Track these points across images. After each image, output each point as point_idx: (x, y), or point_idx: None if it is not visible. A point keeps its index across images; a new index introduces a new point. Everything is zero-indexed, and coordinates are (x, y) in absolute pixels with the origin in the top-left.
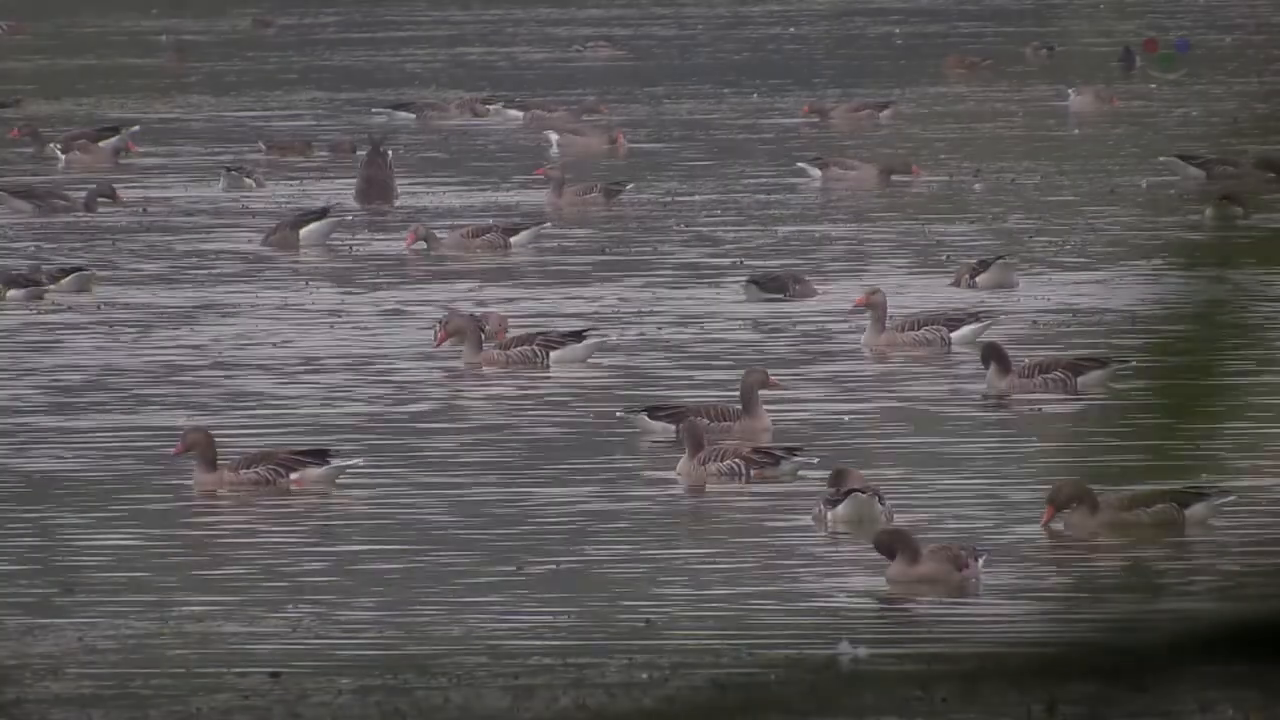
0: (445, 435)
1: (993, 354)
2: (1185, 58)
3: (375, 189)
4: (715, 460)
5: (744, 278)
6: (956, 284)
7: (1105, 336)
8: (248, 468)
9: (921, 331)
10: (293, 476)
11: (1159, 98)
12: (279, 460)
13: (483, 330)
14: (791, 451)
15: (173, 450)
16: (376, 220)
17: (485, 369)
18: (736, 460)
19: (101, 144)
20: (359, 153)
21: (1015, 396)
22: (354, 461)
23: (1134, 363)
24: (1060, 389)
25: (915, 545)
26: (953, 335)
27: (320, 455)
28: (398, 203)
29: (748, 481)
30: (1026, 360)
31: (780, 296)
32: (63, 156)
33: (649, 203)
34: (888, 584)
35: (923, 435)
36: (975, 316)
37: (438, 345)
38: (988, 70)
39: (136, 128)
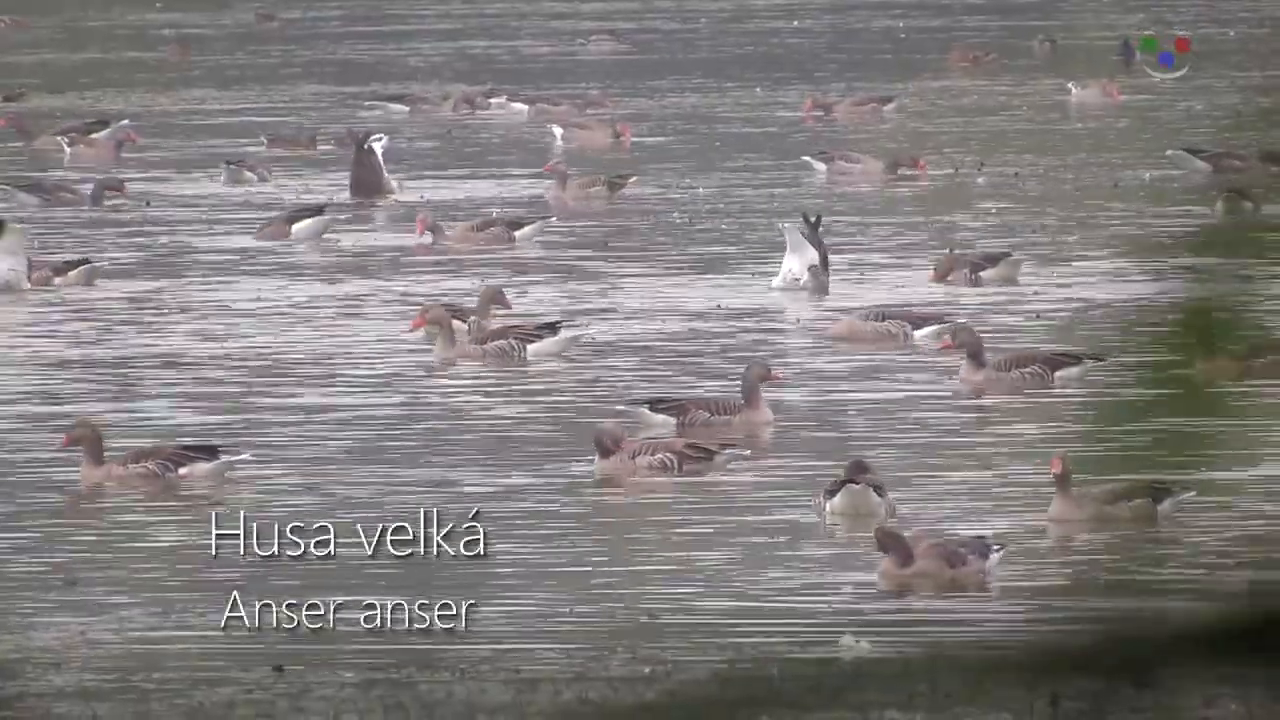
0: (443, 430)
1: (967, 344)
2: (1179, 60)
3: (364, 188)
4: (646, 454)
5: (797, 220)
6: (941, 278)
7: (1105, 330)
8: (135, 462)
9: (885, 324)
10: (181, 471)
11: (1161, 89)
12: (166, 455)
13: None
14: (725, 446)
15: (60, 442)
16: (371, 213)
17: (461, 362)
18: (668, 455)
19: (92, 136)
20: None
21: (990, 391)
22: (242, 457)
23: (1109, 360)
24: (1038, 384)
25: (907, 547)
26: (916, 333)
27: (209, 450)
28: (394, 196)
29: (679, 474)
30: (1004, 354)
31: (817, 250)
32: (68, 150)
33: (652, 197)
34: (878, 581)
35: (924, 429)
36: (940, 318)
37: (412, 329)
38: (992, 64)
39: (126, 121)
